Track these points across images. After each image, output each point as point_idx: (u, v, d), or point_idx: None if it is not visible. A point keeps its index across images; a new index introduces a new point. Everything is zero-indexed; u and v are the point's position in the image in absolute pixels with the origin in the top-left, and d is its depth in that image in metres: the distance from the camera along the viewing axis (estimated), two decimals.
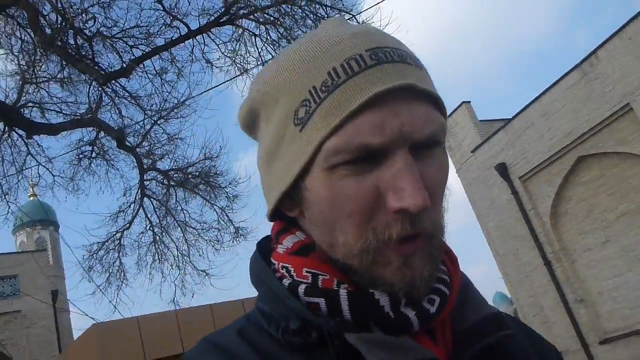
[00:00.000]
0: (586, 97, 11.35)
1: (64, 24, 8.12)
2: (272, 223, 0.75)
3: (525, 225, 13.08)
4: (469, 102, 15.10)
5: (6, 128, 9.52)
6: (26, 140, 9.88)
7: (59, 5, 8.07)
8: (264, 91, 0.66)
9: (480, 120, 15.36)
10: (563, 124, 11.85)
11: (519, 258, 13.61)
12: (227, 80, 9.02)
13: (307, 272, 0.66)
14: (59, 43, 8.09)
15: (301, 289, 0.64)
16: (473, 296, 0.72)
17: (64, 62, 8.82)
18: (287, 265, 0.68)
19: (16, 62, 9.44)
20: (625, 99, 10.69)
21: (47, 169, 10.28)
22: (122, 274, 10.94)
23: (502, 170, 13.38)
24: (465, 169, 14.92)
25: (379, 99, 0.57)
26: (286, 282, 0.66)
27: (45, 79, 9.78)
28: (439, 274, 0.66)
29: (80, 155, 10.48)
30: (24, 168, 10.19)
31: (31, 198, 17.80)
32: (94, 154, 10.59)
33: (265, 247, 0.73)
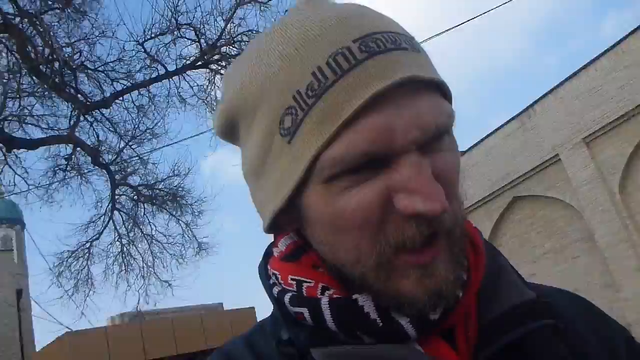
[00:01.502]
0: (522, 145, 12.65)
1: (52, 55, 8.92)
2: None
3: None
4: None
5: None
6: (4, 151, 10.53)
7: (47, 38, 8.87)
8: (240, 97, 0.58)
9: None
10: (501, 167, 13.13)
11: None
12: (196, 135, 9.91)
13: (292, 279, 0.61)
14: (47, 71, 8.89)
15: (287, 298, 0.59)
16: (506, 282, 0.61)
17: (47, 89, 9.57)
18: (275, 272, 0.63)
19: None
20: (555, 150, 12.01)
21: (23, 178, 10.93)
22: (90, 282, 11.66)
23: None
24: None
25: (377, 98, 0.49)
26: (276, 290, 0.61)
27: (27, 93, 10.44)
28: None
29: (56, 168, 11.16)
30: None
31: None
32: (69, 168, 11.29)
33: (270, 251, 0.68)
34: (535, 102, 12.41)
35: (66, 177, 11.38)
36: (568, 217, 12.27)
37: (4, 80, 10.08)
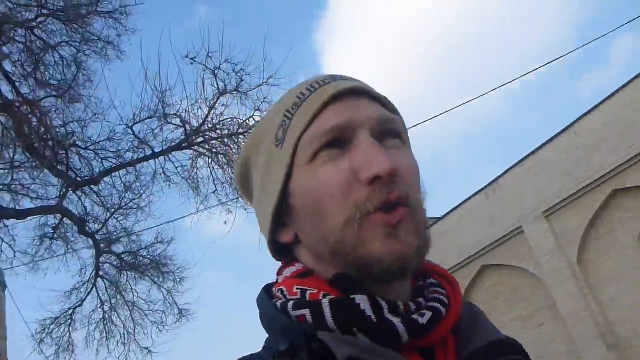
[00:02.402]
0: (488, 216, 13.43)
1: (46, 134, 9.55)
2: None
3: None
4: None
5: None
6: None
7: (43, 119, 9.52)
8: (251, 139, 0.78)
9: None
10: (470, 236, 13.85)
11: None
12: (183, 216, 10.51)
13: (296, 289, 0.69)
14: (40, 148, 9.50)
15: (290, 304, 0.67)
16: (482, 324, 0.72)
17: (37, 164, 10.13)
18: (282, 287, 0.71)
19: None
20: (518, 222, 12.78)
21: (10, 245, 11.27)
22: (71, 348, 11.84)
23: None
24: None
25: (336, 99, 0.69)
26: (279, 302, 0.69)
27: (18, 163, 10.93)
28: (435, 294, 0.69)
29: (43, 236, 11.53)
30: None
31: None
32: (55, 236, 11.65)
33: (271, 285, 0.77)
34: (499, 176, 13.29)
35: (52, 245, 11.66)
36: (532, 286, 12.90)
37: None
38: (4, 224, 10.88)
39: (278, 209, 0.71)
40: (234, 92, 9.29)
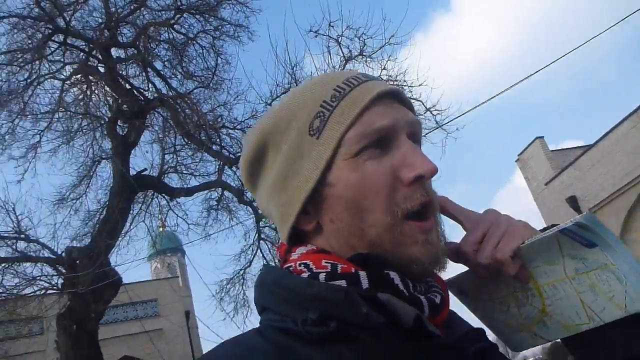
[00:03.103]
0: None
1: (199, 120, 10.70)
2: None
3: None
4: (542, 137, 16.43)
5: (154, 194, 12.25)
6: (168, 200, 12.50)
7: (195, 108, 10.67)
8: (273, 122, 0.75)
9: (554, 150, 16.67)
10: (622, 165, 13.03)
11: None
12: None
13: (326, 263, 0.70)
14: (196, 133, 10.70)
15: (321, 276, 0.68)
16: (455, 318, 0.83)
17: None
18: (305, 261, 0.72)
19: (157, 136, 12.07)
20: None
21: (184, 219, 12.83)
22: (247, 304, 13.28)
23: (573, 202, 14.62)
24: (541, 199, 16.26)
25: (380, 98, 0.72)
26: (305, 275, 0.70)
27: (180, 147, 12.34)
28: (433, 283, 0.75)
29: (209, 209, 12.97)
30: (165, 220, 12.91)
31: (161, 229, 20.99)
32: (219, 207, 13.04)
33: (276, 264, 0.79)
34: None
35: (218, 216, 13.02)
36: None
37: (160, 137, 12.08)
38: (177, 201, 12.44)
39: (311, 197, 0.73)
40: (359, 56, 9.62)
